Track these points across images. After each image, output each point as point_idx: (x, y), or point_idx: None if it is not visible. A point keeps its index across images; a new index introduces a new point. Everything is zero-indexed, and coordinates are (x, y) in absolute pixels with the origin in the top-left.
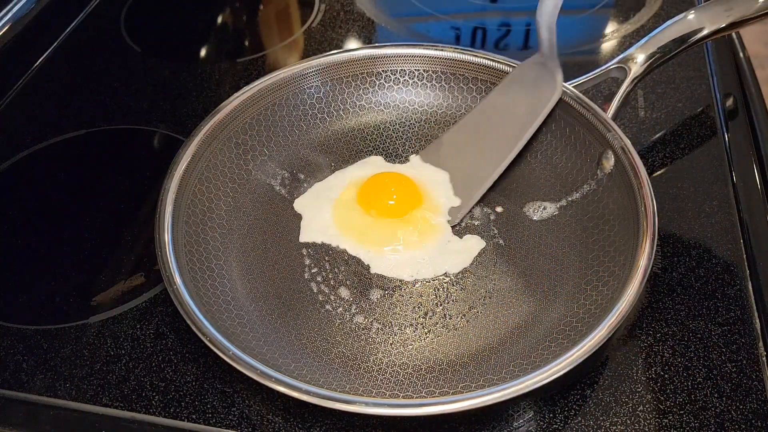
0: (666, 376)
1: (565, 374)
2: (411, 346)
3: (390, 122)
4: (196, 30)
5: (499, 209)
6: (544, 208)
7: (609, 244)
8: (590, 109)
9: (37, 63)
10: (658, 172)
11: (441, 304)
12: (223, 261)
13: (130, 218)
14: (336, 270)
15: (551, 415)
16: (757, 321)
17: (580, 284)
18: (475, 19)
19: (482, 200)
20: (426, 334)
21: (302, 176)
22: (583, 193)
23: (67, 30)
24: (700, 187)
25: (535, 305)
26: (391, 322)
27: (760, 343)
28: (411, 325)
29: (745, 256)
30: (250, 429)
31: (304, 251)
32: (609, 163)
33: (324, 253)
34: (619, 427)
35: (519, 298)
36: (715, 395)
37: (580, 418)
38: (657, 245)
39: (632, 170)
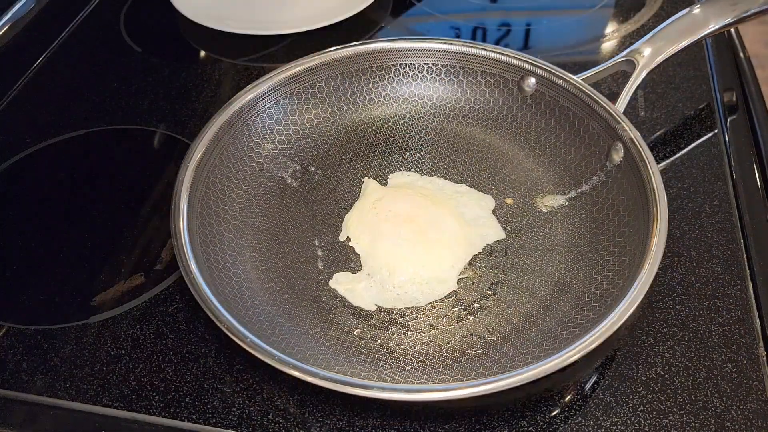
0: (666, 376)
1: (576, 360)
2: (424, 335)
3: (400, 116)
4: (195, 30)
5: (509, 201)
6: (554, 200)
7: (619, 234)
8: (599, 101)
9: (37, 63)
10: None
11: (453, 294)
12: (237, 252)
13: (130, 218)
14: (347, 261)
15: (551, 415)
16: (757, 321)
17: (591, 274)
18: (475, 19)
19: (493, 192)
20: (440, 323)
21: (313, 169)
22: (592, 185)
23: (67, 30)
24: (700, 187)
25: (545, 295)
26: (404, 311)
27: (760, 343)
28: (424, 314)
29: (745, 256)
30: (249, 429)
31: (317, 242)
32: (618, 154)
33: (336, 244)
34: (619, 427)
35: (529, 289)
36: (715, 395)
37: (580, 418)
38: None
39: (642, 161)
